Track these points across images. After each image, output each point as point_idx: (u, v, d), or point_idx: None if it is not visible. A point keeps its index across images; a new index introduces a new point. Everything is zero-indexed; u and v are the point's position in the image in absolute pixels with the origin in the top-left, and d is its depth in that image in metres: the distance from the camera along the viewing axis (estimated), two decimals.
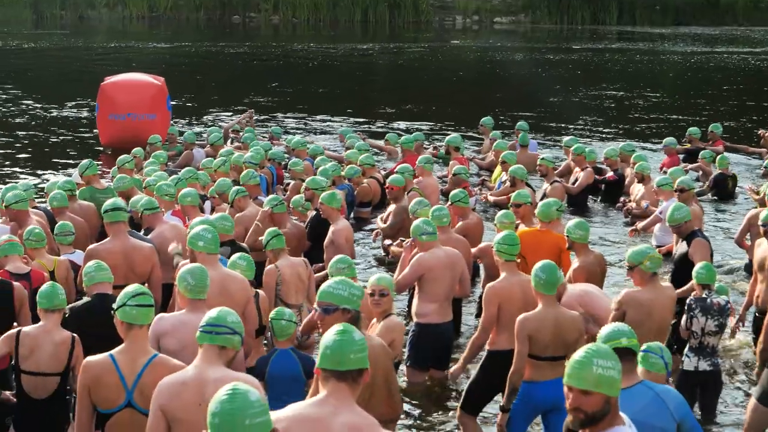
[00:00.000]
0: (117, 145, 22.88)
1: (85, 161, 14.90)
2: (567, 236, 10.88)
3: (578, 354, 5.15)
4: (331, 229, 12.78)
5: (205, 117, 31.15)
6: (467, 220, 13.47)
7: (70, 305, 8.92)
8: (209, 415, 4.63)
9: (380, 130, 29.68)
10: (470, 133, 26.59)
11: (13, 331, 8.46)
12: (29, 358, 8.34)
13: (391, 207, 15.16)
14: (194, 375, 6.24)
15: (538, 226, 12.47)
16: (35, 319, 8.81)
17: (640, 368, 7.12)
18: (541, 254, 10.84)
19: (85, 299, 8.90)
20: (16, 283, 9.39)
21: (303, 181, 16.07)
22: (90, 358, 6.96)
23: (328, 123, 30.98)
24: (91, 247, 10.71)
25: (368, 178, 17.70)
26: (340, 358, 5.34)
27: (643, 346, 7.48)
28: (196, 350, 6.51)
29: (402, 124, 30.90)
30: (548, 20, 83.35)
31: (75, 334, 8.57)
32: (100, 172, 15.97)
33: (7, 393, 8.50)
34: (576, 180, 18.84)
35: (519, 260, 9.75)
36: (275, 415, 5.07)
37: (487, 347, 9.55)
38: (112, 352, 6.88)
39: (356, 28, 78.55)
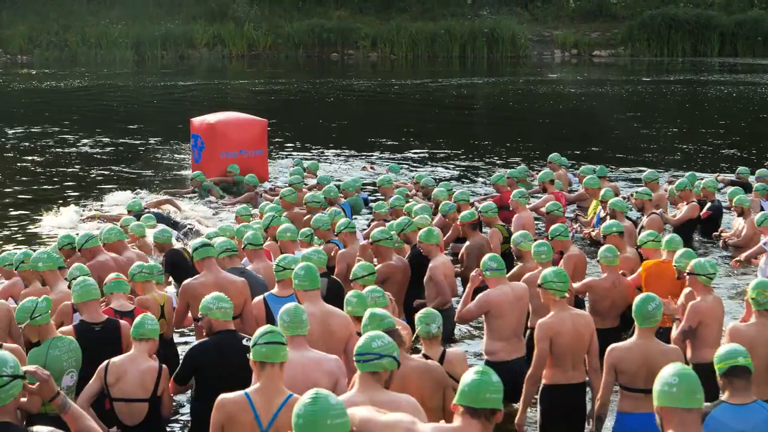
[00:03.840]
0: (227, 181, 23.59)
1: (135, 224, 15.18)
2: (675, 266, 11.02)
3: None
4: (430, 265, 12.71)
5: (301, 153, 31.26)
6: (570, 252, 13.33)
7: (199, 342, 9.18)
8: (294, 416, 5.16)
9: (474, 163, 29.70)
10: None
11: (104, 363, 8.69)
12: (116, 385, 8.60)
13: (466, 245, 15.00)
14: (364, 400, 6.43)
15: (628, 254, 12.87)
16: None
17: None
18: (664, 284, 11.18)
19: (212, 336, 8.90)
20: (122, 321, 9.62)
21: (386, 222, 16.00)
22: (224, 396, 7.06)
23: (421, 158, 31.02)
24: (186, 282, 10.86)
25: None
26: (477, 397, 5.76)
27: None
28: (303, 387, 6.59)
29: (498, 159, 30.78)
30: (648, 53, 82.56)
31: (164, 365, 8.87)
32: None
33: (114, 430, 8.67)
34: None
35: (567, 295, 9.69)
36: (421, 427, 5.91)
37: (543, 381, 9.53)
38: (248, 390, 6.96)
39: (454, 64, 78.51)
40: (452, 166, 29.76)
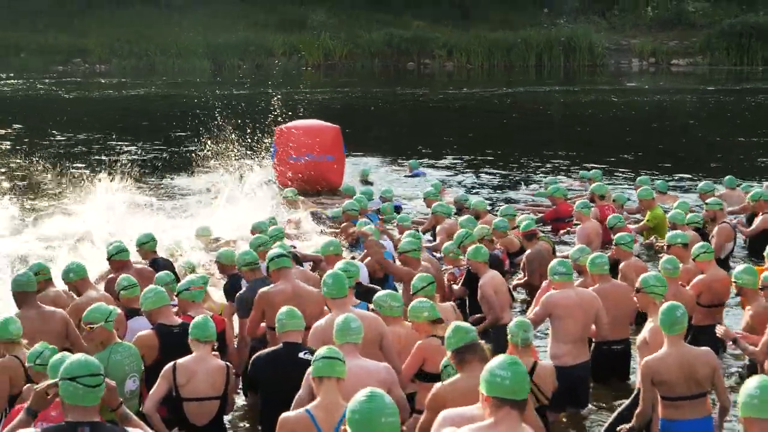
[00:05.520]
0: (296, 186, 23.63)
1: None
2: (735, 282, 10.91)
3: None
4: (479, 283, 12.68)
5: (376, 161, 31.34)
6: (628, 261, 13.31)
7: (259, 352, 9.36)
8: (349, 412, 5.38)
9: (533, 170, 29.66)
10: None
11: (169, 365, 8.95)
12: (187, 386, 8.85)
13: (525, 253, 15.10)
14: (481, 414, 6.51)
15: (690, 265, 13.01)
16: None
17: None
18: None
19: (275, 347, 9.23)
20: None
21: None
22: (287, 414, 7.31)
23: (480, 163, 31.11)
24: (262, 290, 10.99)
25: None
26: (520, 388, 5.89)
27: None
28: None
29: (560, 167, 30.71)
30: (727, 61, 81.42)
31: (229, 363, 9.21)
32: None
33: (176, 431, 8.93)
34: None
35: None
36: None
37: (637, 385, 9.49)
38: (308, 407, 7.19)
39: (530, 73, 78.05)
40: (507, 173, 29.90)
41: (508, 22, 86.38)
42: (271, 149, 26.03)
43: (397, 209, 21.34)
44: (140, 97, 56.72)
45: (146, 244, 14.08)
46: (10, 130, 41.39)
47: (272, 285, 11.03)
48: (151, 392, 8.94)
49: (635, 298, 10.18)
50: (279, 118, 27.75)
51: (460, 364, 7.77)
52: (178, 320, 9.93)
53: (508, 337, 9.21)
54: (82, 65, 79.74)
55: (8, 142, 37.54)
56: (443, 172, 30.18)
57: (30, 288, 10.60)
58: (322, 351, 7.36)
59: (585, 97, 56.63)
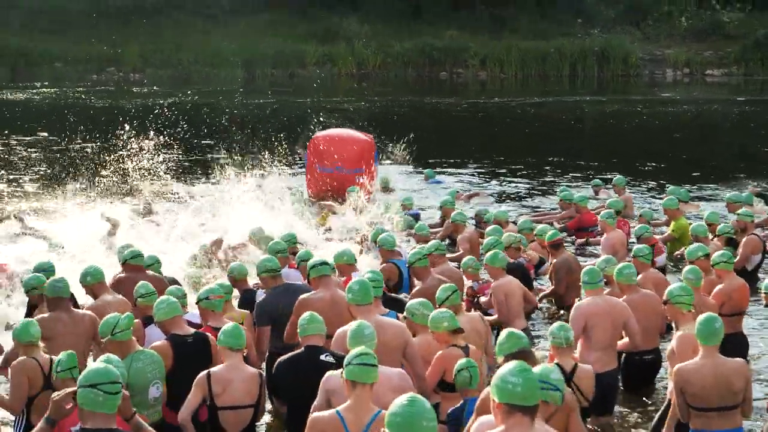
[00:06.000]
0: (323, 196, 23.58)
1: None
2: (765, 293, 10.93)
3: None
4: (492, 284, 12.80)
5: (398, 169, 31.36)
6: (646, 273, 13.32)
7: (282, 357, 9.34)
8: (389, 415, 5.43)
9: (557, 179, 29.62)
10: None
11: (203, 374, 9.02)
12: (223, 394, 8.93)
13: (552, 262, 15.21)
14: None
15: (713, 277, 12.89)
16: None
17: None
18: None
19: (297, 351, 9.26)
20: (209, 334, 10.08)
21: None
22: (317, 415, 7.43)
23: (506, 172, 31.13)
24: (302, 296, 11.10)
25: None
26: (531, 394, 5.85)
27: None
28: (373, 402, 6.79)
29: (583, 175, 30.62)
30: (762, 72, 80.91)
31: (262, 372, 9.40)
32: None
33: None
34: None
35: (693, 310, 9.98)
36: None
37: (669, 396, 9.59)
38: (339, 409, 7.30)
39: (564, 83, 77.81)
40: (529, 182, 29.90)
41: (542, 32, 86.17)
42: (304, 158, 26.05)
43: (416, 217, 21.22)
44: (171, 105, 56.81)
45: (151, 267, 13.92)
46: (33, 138, 41.60)
47: (312, 292, 11.14)
48: (186, 401, 9.01)
49: (666, 309, 10.22)
50: (305, 127, 27.79)
51: None
52: (191, 330, 9.98)
53: (550, 339, 9.40)
54: (116, 74, 79.97)
55: (34, 150, 37.80)
56: (466, 179, 30.17)
57: (65, 294, 11.11)
58: (357, 356, 7.37)
59: (615, 106, 56.40)
